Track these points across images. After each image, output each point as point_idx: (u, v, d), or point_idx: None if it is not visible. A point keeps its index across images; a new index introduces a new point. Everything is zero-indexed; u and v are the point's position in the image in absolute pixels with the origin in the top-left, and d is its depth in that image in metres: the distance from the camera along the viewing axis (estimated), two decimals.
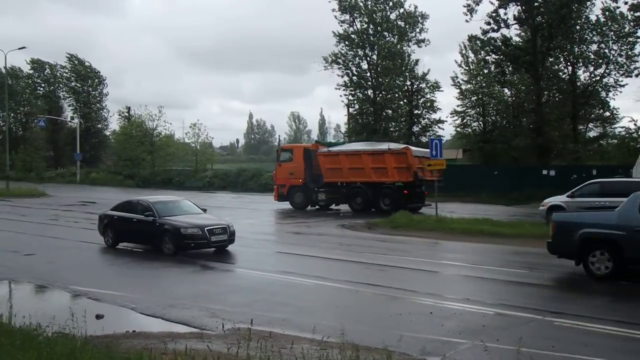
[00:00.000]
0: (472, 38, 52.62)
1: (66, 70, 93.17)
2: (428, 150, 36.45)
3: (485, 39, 48.98)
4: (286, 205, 37.14)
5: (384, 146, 35.54)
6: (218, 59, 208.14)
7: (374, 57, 61.59)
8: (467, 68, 64.00)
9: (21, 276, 16.58)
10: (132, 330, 10.98)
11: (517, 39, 52.13)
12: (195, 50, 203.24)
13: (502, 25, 48.04)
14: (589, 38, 50.36)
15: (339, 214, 34.83)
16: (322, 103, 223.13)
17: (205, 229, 19.40)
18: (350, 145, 40.55)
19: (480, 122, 63.27)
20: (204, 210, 21.83)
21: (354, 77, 61.99)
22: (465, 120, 64.01)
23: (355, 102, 62.97)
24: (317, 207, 36.76)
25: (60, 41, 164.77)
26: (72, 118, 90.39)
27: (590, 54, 51.04)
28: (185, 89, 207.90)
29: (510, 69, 52.43)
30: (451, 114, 64.09)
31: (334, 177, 35.33)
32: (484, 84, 61.92)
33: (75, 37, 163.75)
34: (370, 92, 61.85)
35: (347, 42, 61.29)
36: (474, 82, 63.54)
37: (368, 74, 61.89)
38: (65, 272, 16.93)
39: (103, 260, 19.86)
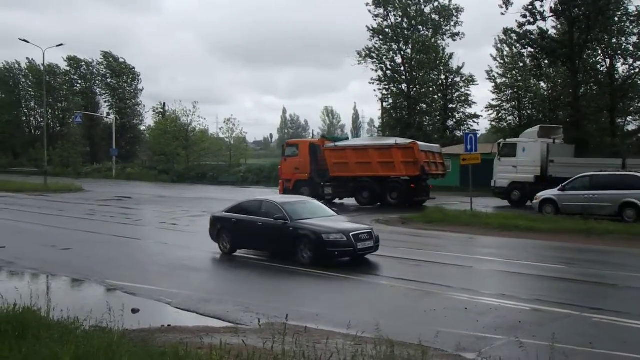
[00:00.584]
0: (507, 31, 52.10)
1: (102, 67, 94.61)
2: (434, 145, 38.24)
3: (521, 31, 48.36)
4: None
5: (391, 141, 36.24)
6: (252, 54, 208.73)
7: (408, 51, 61.27)
8: (502, 61, 63.31)
9: (59, 270, 16.82)
10: (167, 325, 11.08)
11: (554, 31, 51.42)
12: (228, 46, 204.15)
13: (539, 17, 47.37)
14: (628, 30, 49.41)
15: (348, 208, 35.14)
16: (355, 98, 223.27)
17: (351, 234, 16.76)
18: (357, 140, 41.08)
19: (516, 116, 62.49)
20: (336, 212, 19.46)
21: (388, 72, 61.76)
22: (500, 114, 63.32)
23: (389, 96, 62.77)
24: (322, 200, 36.97)
25: (96, 38, 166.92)
26: (108, 114, 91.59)
27: (629, 46, 50.08)
28: (219, 85, 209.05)
29: (546, 62, 51.75)
30: (486, 108, 63.48)
31: (340, 172, 35.63)
32: (519, 78, 61.18)
33: (111, 34, 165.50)
34: (404, 86, 61.57)
35: (381, 37, 61.05)
36: (509, 76, 62.80)
37: (402, 68, 61.59)
38: (101, 267, 17.13)
39: (139, 255, 20.05)
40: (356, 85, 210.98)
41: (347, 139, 45.37)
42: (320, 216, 18.21)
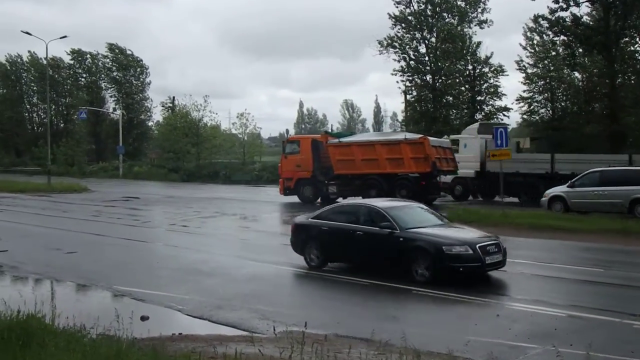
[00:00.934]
0: (538, 18, 51.66)
1: (107, 60, 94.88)
2: (444, 140, 39.09)
3: (553, 18, 48.00)
4: (293, 199, 37.83)
5: (400, 136, 36.88)
6: (264, 45, 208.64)
7: (433, 39, 61.09)
8: (532, 51, 62.95)
9: (64, 275, 16.92)
10: (178, 333, 11.10)
11: (588, 18, 51.01)
12: (240, 37, 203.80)
13: (572, 3, 46.99)
14: None
15: None
16: (375, 90, 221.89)
17: (477, 246, 14.85)
18: (362, 135, 41.66)
19: (549, 109, 62.18)
20: (446, 218, 17.85)
21: (412, 62, 61.60)
22: (532, 107, 62.98)
23: (413, 88, 62.58)
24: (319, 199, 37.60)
25: (102, 31, 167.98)
26: (114, 109, 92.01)
27: None
28: (231, 78, 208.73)
29: (580, 50, 51.36)
30: (517, 100, 63.18)
31: (345, 169, 35.92)
32: (552, 68, 60.77)
33: (118, 26, 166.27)
34: (429, 77, 61.40)
35: (403, 25, 60.88)
36: (540, 66, 62.43)
37: (426, 58, 61.41)
38: (108, 271, 17.21)
39: (148, 259, 20.12)
40: (376, 77, 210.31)
41: (352, 134, 45.41)
42: (432, 224, 16.38)
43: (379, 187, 34.85)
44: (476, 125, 40.87)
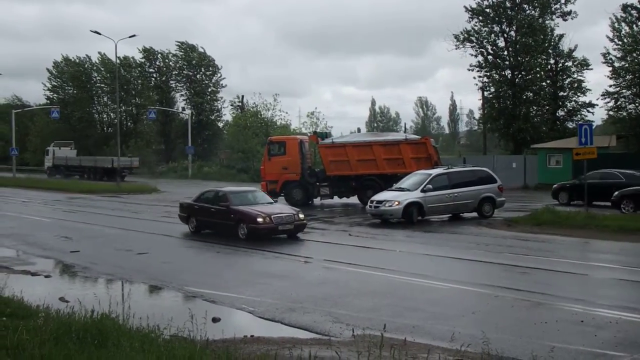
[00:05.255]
0: (627, 7, 50.53)
1: (178, 59, 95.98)
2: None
3: None
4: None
5: (401, 136, 38.36)
6: (324, 42, 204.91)
7: (512, 33, 60.30)
8: (620, 42, 61.36)
9: (135, 276, 17.39)
10: (250, 335, 11.29)
11: None
12: (298, 34, 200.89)
13: None
14: None
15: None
16: (448, 87, 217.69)
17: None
18: (355, 136, 43.10)
19: (637, 104, 60.59)
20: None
21: (489, 57, 60.94)
22: (619, 103, 61.42)
23: (491, 84, 61.90)
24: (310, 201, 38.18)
25: (158, 31, 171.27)
26: (184, 109, 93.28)
27: None
28: (293, 75, 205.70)
29: None
30: (602, 95, 61.69)
31: (339, 170, 36.28)
32: None
33: (175, 26, 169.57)
34: (508, 72, 60.62)
35: (480, 18, 60.29)
36: (629, 59, 60.84)
37: (505, 53, 60.66)
38: (179, 272, 17.62)
39: (219, 260, 20.47)
40: (446, 72, 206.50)
41: (328, 135, 45.16)
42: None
43: (377, 188, 35.00)
44: (53, 143, 78.83)
